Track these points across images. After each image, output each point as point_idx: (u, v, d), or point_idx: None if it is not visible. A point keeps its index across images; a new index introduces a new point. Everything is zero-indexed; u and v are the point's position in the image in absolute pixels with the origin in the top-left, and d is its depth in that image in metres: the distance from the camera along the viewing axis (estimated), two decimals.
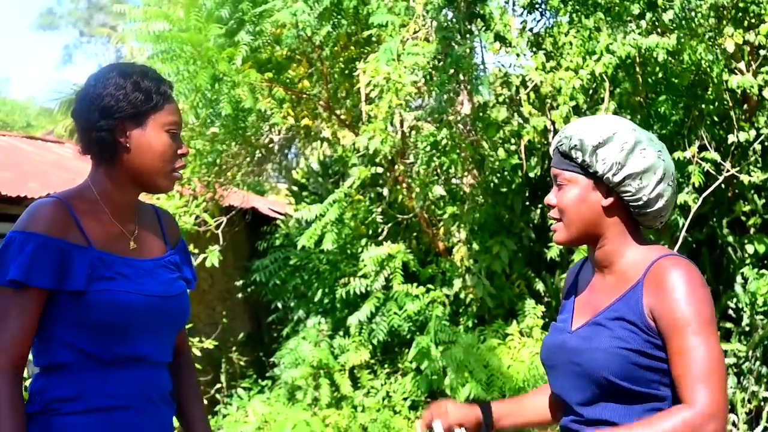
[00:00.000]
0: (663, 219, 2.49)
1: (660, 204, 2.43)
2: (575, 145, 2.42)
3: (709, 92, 7.90)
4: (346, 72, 9.32)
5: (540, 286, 8.98)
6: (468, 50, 7.90)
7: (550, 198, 2.50)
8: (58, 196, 2.50)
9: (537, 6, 8.24)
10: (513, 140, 8.98)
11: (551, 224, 2.54)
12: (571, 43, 7.45)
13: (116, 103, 2.45)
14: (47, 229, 2.39)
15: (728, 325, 8.47)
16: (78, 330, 2.41)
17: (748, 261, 8.43)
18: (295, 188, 11.79)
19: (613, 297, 2.42)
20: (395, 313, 8.80)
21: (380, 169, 9.49)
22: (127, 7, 8.79)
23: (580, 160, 2.42)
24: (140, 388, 2.48)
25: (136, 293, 2.45)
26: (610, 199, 2.43)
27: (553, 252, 8.13)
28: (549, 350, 2.54)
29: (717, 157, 7.74)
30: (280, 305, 10.21)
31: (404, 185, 9.17)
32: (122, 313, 2.42)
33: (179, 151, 2.54)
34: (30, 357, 2.45)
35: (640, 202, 2.41)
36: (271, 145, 11.28)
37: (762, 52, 7.76)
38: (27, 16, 70.37)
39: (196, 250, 9.09)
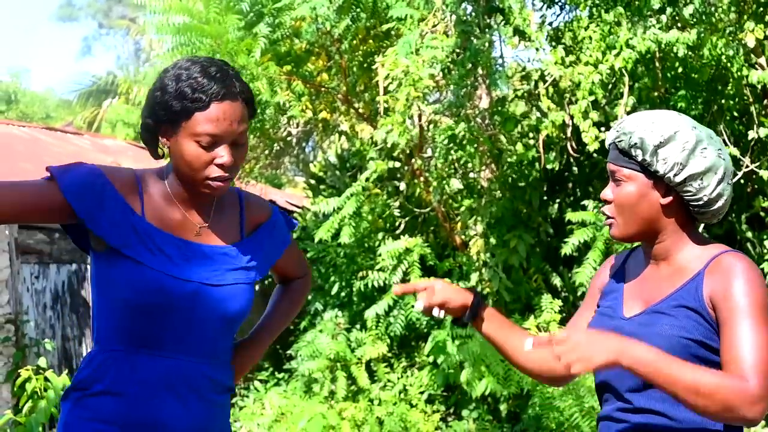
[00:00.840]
0: (721, 216, 2.49)
1: (720, 203, 2.43)
2: (635, 143, 2.40)
3: (729, 87, 7.87)
4: (365, 65, 9.31)
5: (557, 281, 8.97)
6: (487, 44, 7.88)
7: (607, 193, 2.48)
8: (135, 169, 2.52)
9: (557, 0, 8.22)
10: (531, 134, 8.96)
11: (605, 219, 2.52)
12: (590, 38, 7.42)
13: (155, 105, 2.42)
14: (112, 176, 2.41)
15: None
16: (113, 305, 2.41)
17: (767, 257, 8.40)
18: (312, 181, 11.82)
19: (672, 287, 2.42)
20: (412, 307, 8.81)
21: (398, 163, 9.50)
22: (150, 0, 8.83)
23: (640, 159, 2.40)
24: (169, 378, 2.43)
25: (172, 275, 2.41)
26: (669, 198, 2.43)
27: (568, 248, 8.10)
28: None
29: (736, 152, 7.71)
30: None
31: (422, 179, 9.17)
32: (152, 291, 2.39)
33: (216, 161, 2.40)
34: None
35: (701, 202, 2.41)
36: (289, 138, 11.30)
37: None
38: (46, 7, 70.66)
39: None
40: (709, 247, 2.47)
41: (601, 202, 2.62)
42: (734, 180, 7.62)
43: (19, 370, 6.11)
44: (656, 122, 2.41)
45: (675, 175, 2.38)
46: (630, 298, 2.53)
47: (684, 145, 2.38)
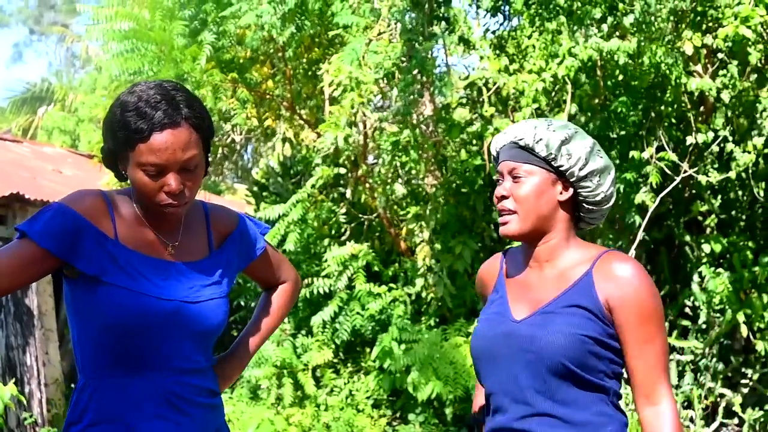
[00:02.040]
0: (602, 219, 2.64)
1: (609, 203, 2.59)
2: (540, 139, 2.50)
3: (668, 94, 8.04)
4: (310, 73, 9.37)
5: None
6: (431, 52, 7.98)
7: (504, 187, 2.55)
8: (103, 190, 2.51)
9: (500, 9, 8.34)
10: (475, 141, 9.07)
11: (502, 217, 2.58)
12: (534, 46, 7.55)
13: (108, 134, 2.44)
14: (79, 207, 2.40)
15: (685, 322, 8.63)
16: (95, 332, 2.41)
17: (705, 260, 8.57)
18: (255, 189, 11.81)
19: (560, 288, 2.50)
20: (358, 313, 8.87)
21: (343, 170, 9.55)
22: (90, 6, 8.80)
23: (544, 154, 2.50)
24: (164, 395, 2.45)
25: (152, 296, 2.43)
26: (568, 194, 2.54)
27: None
28: (490, 341, 2.55)
29: (675, 157, 7.88)
30: (242, 303, 10.23)
31: (367, 185, 9.24)
32: (134, 313, 2.40)
33: (164, 189, 2.40)
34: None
35: (596, 199, 2.55)
36: (232, 145, 11.30)
37: (720, 56, 7.91)
38: None
39: None
40: (588, 247, 2.60)
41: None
42: (674, 185, 7.81)
43: None
44: (553, 124, 2.55)
45: (580, 169, 2.51)
46: (516, 301, 2.58)
47: (585, 143, 2.53)
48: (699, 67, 7.97)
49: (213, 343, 2.63)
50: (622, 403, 2.54)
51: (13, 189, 9.46)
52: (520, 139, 2.54)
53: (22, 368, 9.71)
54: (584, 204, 2.56)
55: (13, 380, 6.97)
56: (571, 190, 2.54)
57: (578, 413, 2.43)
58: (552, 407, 2.44)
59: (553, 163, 2.51)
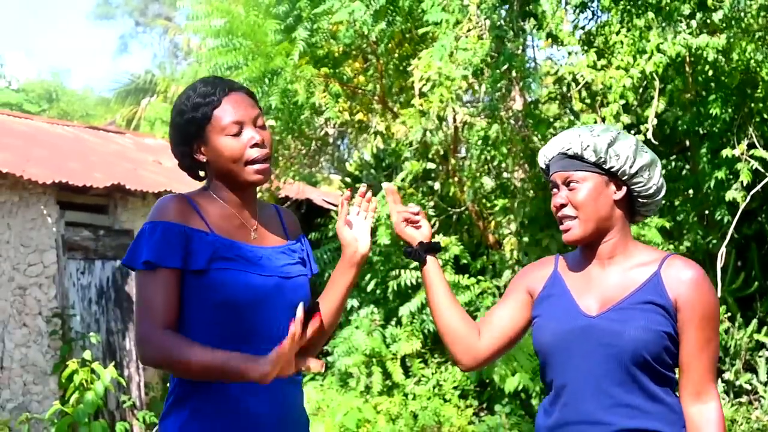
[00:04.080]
0: (657, 209, 2.79)
1: (661, 194, 2.73)
2: (587, 146, 2.63)
3: (759, 90, 7.98)
4: (401, 68, 9.50)
5: None
6: (520, 48, 8.05)
7: (561, 197, 2.67)
8: (182, 193, 2.74)
9: (588, 5, 8.35)
10: None
11: (563, 225, 2.68)
12: (622, 42, 7.56)
13: (181, 129, 2.71)
14: (171, 216, 2.63)
15: None
16: (201, 311, 2.62)
17: None
18: (348, 180, 12.00)
19: (627, 286, 2.63)
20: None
21: (432, 164, 9.67)
22: (189, 1, 9.08)
23: (593, 159, 2.63)
24: None
25: (255, 273, 2.66)
26: (622, 192, 2.67)
27: None
28: (564, 335, 2.64)
29: (766, 155, 7.82)
30: None
31: (456, 179, 9.34)
32: (242, 291, 2.62)
33: (250, 142, 2.67)
34: None
35: (650, 192, 2.69)
36: (326, 138, 11.49)
37: None
38: (84, 6, 71.17)
39: None
40: (648, 248, 2.74)
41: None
42: (765, 181, 7.75)
43: (65, 363, 6.29)
44: (595, 129, 2.68)
45: (630, 166, 2.63)
46: (581, 298, 2.68)
47: (629, 142, 2.66)
48: None
49: None
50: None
51: (114, 180, 9.79)
52: (568, 149, 2.66)
53: (122, 352, 10.07)
54: (638, 199, 2.70)
55: (113, 363, 7.25)
56: (624, 188, 2.67)
57: (653, 404, 2.57)
58: (630, 398, 2.56)
59: (603, 165, 2.63)
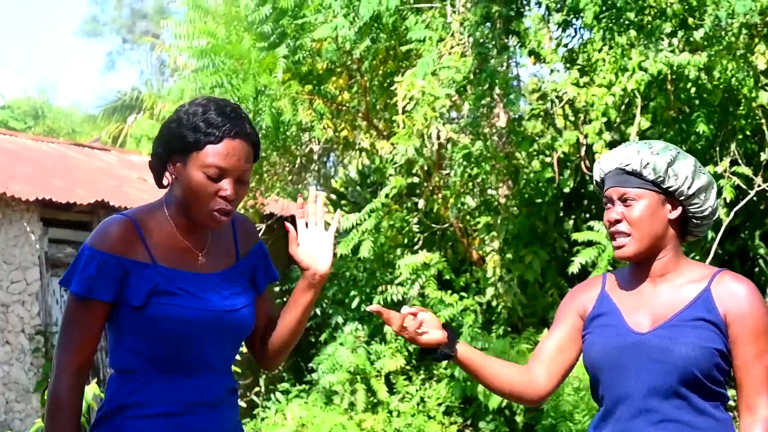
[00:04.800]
0: (707, 231, 2.77)
1: (715, 216, 2.70)
2: (647, 164, 2.60)
3: (741, 108, 8.02)
4: (385, 85, 9.54)
5: None
6: (503, 65, 8.08)
7: (617, 212, 2.64)
8: (128, 214, 2.65)
9: (571, 23, 8.40)
10: (547, 152, 9.14)
11: (616, 241, 2.66)
12: (604, 60, 7.61)
13: (168, 135, 2.60)
14: (112, 247, 2.55)
15: None
16: (142, 340, 2.58)
17: None
18: (333, 197, 12.01)
19: (677, 303, 2.62)
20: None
21: (417, 180, 9.70)
22: (173, 21, 9.10)
23: (652, 178, 2.60)
24: (202, 393, 2.63)
25: (196, 308, 2.59)
26: (678, 212, 2.64)
27: (574, 267, 8.30)
28: (615, 352, 2.65)
29: (749, 171, 7.86)
30: (318, 311, 10.39)
31: (440, 196, 9.36)
32: (181, 326, 2.57)
33: (220, 194, 2.56)
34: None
35: (705, 214, 2.66)
36: (310, 155, 11.50)
37: None
38: (71, 23, 71.13)
39: None
40: (699, 265, 2.72)
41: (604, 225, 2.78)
42: (747, 199, 7.78)
43: (48, 380, 6.28)
44: (654, 146, 2.64)
45: (688, 188, 2.60)
46: (631, 315, 2.67)
47: (688, 162, 2.62)
48: None
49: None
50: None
51: (98, 197, 9.78)
52: (627, 165, 2.63)
53: (105, 370, 10.02)
54: (693, 219, 2.67)
55: (96, 380, 7.23)
56: (680, 209, 2.65)
57: (702, 419, 2.57)
58: (679, 414, 2.57)
59: (661, 184, 2.61)
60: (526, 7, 8.45)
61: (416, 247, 9.61)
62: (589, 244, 8.35)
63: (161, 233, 2.64)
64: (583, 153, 8.58)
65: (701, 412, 2.57)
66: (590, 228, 8.55)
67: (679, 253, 2.68)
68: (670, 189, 2.61)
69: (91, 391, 6.41)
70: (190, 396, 2.62)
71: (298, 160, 11.02)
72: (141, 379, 2.61)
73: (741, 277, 2.62)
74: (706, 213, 2.65)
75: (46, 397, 5.59)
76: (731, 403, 2.72)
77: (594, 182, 2.79)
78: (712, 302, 2.58)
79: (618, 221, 2.64)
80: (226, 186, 2.56)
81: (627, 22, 7.63)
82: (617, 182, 2.66)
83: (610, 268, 7.98)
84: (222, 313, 2.64)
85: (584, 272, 8.60)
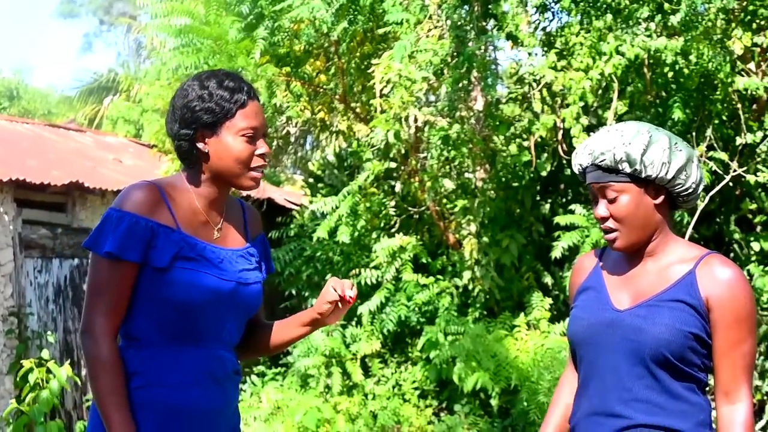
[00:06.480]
0: (698, 200, 2.76)
1: (701, 186, 2.69)
2: (621, 158, 2.59)
3: (717, 93, 8.04)
4: (362, 67, 9.50)
5: (548, 280, 9.16)
6: (481, 48, 8.06)
7: (602, 210, 2.66)
8: (152, 181, 2.73)
9: (549, 7, 8.39)
10: (524, 136, 9.14)
11: (607, 236, 2.69)
12: (581, 44, 7.60)
13: (192, 114, 2.67)
14: (139, 209, 2.62)
15: None
16: (157, 306, 2.63)
17: (754, 258, 8.57)
18: (311, 180, 11.98)
19: (661, 283, 2.64)
20: (404, 304, 9.00)
21: (394, 164, 9.68)
22: (150, 0, 9.03)
23: (629, 170, 2.59)
24: (208, 366, 2.69)
25: (215, 276, 2.67)
26: (661, 197, 2.65)
27: (557, 251, 8.32)
28: (592, 328, 2.69)
29: (725, 156, 7.88)
30: (294, 292, 10.38)
31: (417, 179, 9.35)
32: (200, 292, 2.64)
33: (257, 152, 2.71)
34: None
35: (690, 190, 2.65)
36: (288, 138, 11.46)
37: None
38: (48, 4, 70.60)
39: None
40: (689, 245, 2.72)
41: (594, 220, 2.80)
42: (723, 184, 7.81)
43: (21, 362, 6.24)
44: (626, 134, 2.61)
45: (666, 173, 2.59)
46: (616, 291, 2.71)
47: (662, 145, 2.60)
48: (752, 66, 7.96)
49: None
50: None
51: (73, 177, 9.72)
52: (602, 161, 2.63)
53: (79, 352, 9.97)
54: (679, 197, 2.67)
55: (69, 362, 7.19)
56: (664, 193, 2.65)
57: (674, 402, 2.58)
58: (650, 394, 2.58)
59: (639, 175, 2.60)
60: None
61: (393, 231, 9.60)
62: (571, 227, 8.36)
63: (183, 203, 2.73)
64: (560, 137, 8.58)
65: (673, 394, 2.58)
66: (571, 212, 8.55)
67: (668, 232, 2.69)
68: (649, 178, 2.60)
69: (65, 372, 6.36)
70: (199, 368, 2.68)
71: (275, 143, 10.97)
72: (151, 348, 2.66)
73: (728, 262, 2.62)
74: (691, 189, 2.65)
75: (18, 379, 5.47)
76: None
77: (577, 173, 2.78)
78: (695, 285, 2.58)
79: (605, 218, 2.67)
80: (260, 145, 2.73)
81: (604, 6, 7.63)
82: (596, 178, 2.67)
83: None
84: (237, 284, 2.74)
85: (566, 256, 8.63)
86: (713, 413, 2.61)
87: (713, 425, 2.63)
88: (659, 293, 2.62)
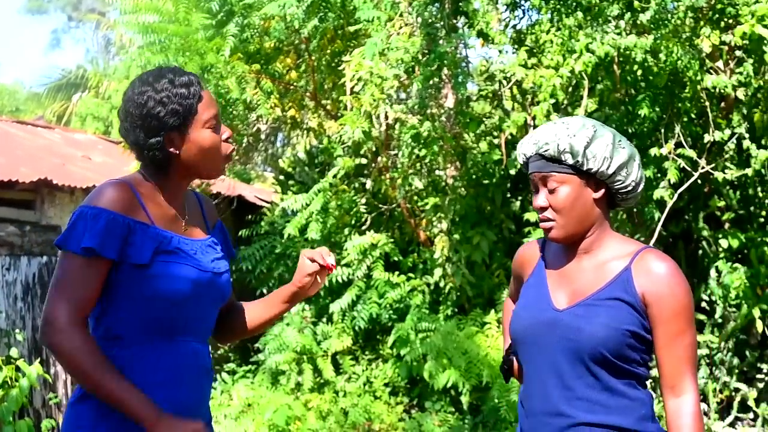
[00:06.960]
0: (638, 200, 2.82)
1: (641, 186, 2.72)
2: (564, 149, 2.61)
3: (687, 91, 8.09)
4: (333, 65, 9.49)
5: None
6: (452, 46, 8.07)
7: (541, 200, 2.68)
8: (123, 179, 2.72)
9: (519, 4, 8.41)
10: (495, 133, 9.16)
11: (544, 224, 2.71)
12: (551, 42, 7.62)
13: (159, 121, 2.66)
14: (115, 206, 2.62)
15: (701, 317, 8.67)
16: (139, 302, 2.63)
17: (722, 255, 8.62)
18: (281, 177, 11.95)
19: (601, 280, 2.65)
20: (375, 302, 9.01)
21: (364, 161, 9.67)
22: None
23: (571, 162, 2.62)
24: (188, 362, 2.70)
25: (195, 267, 2.69)
26: (601, 192, 2.67)
27: None
28: (533, 327, 2.71)
29: (693, 154, 7.93)
30: (265, 291, 10.36)
31: (387, 176, 9.35)
32: (184, 284, 2.65)
33: (223, 138, 2.76)
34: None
35: (629, 188, 2.68)
36: (258, 135, 11.43)
37: (738, 53, 7.95)
38: (15, 0, 70.05)
39: None
40: (625, 241, 2.74)
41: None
42: (691, 181, 7.86)
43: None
44: (571, 126, 2.65)
45: (607, 168, 2.62)
46: (555, 289, 2.73)
47: (606, 141, 2.63)
48: (720, 64, 8.02)
49: None
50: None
51: (42, 175, 9.63)
52: (545, 151, 2.65)
53: (48, 350, 9.90)
54: (618, 195, 2.70)
55: (39, 360, 7.13)
56: (603, 188, 2.68)
57: (615, 398, 2.60)
58: (591, 393, 2.60)
59: (581, 168, 2.63)
60: None
61: (364, 228, 9.60)
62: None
63: (152, 199, 2.74)
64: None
65: (613, 392, 2.60)
66: None
67: (605, 228, 2.71)
68: (590, 171, 2.62)
69: (35, 370, 6.32)
70: (181, 364, 2.69)
71: (246, 140, 10.94)
72: (134, 346, 2.65)
73: (662, 256, 2.64)
74: (630, 187, 2.67)
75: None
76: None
77: (521, 164, 2.80)
78: (630, 282, 2.60)
79: (544, 208, 2.68)
80: (224, 130, 2.79)
81: (574, 4, 7.65)
82: (538, 167, 2.69)
83: None
84: (212, 274, 2.77)
85: None
86: (656, 407, 2.63)
87: (655, 418, 2.65)
88: (596, 291, 2.64)
